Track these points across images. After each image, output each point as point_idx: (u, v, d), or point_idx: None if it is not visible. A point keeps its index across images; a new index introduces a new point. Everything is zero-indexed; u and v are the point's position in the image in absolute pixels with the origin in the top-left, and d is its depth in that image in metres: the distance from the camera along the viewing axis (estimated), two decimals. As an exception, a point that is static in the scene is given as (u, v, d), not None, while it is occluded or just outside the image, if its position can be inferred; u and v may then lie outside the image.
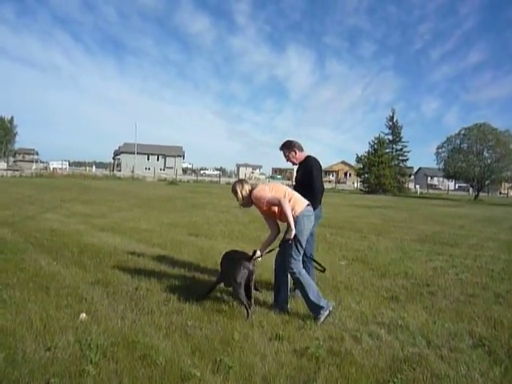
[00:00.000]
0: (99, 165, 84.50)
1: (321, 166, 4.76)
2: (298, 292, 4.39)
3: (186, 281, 4.97)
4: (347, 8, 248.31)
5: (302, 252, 4.04)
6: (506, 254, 7.98)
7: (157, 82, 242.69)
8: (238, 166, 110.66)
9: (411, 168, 57.22)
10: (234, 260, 4.14)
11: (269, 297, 4.44)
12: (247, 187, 4.19)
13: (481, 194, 44.21)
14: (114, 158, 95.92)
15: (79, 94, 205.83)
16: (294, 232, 3.86)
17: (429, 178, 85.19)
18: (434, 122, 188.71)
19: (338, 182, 68.25)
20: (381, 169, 43.97)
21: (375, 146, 46.29)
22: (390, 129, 47.87)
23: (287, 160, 4.79)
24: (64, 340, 3.14)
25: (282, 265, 4.11)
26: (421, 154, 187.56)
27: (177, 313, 3.87)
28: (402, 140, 47.86)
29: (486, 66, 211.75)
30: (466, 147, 41.86)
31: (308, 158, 4.73)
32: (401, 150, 47.99)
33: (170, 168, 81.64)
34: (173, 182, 39.46)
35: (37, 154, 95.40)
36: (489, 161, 41.12)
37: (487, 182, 43.24)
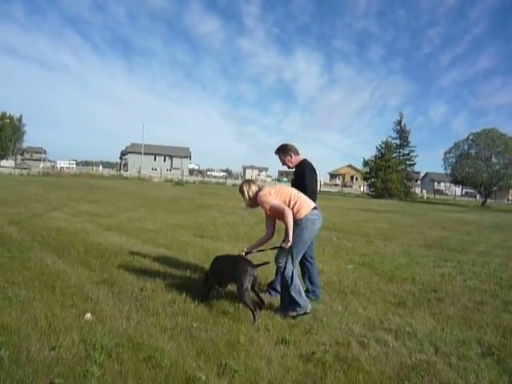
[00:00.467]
0: (106, 164, 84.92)
1: (315, 169, 4.75)
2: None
3: (192, 282, 4.94)
4: (356, 11, 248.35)
5: (298, 257, 4.10)
6: (515, 262, 7.86)
7: (165, 83, 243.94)
8: (245, 168, 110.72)
9: (418, 173, 56.93)
10: (234, 262, 4.15)
11: (274, 300, 4.41)
12: (254, 188, 4.21)
13: (488, 200, 43.84)
14: (120, 158, 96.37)
15: (87, 94, 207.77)
16: (290, 244, 3.93)
17: (435, 183, 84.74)
18: (441, 127, 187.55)
19: (344, 185, 68.05)
20: (388, 173, 43.79)
21: (382, 151, 46.12)
22: (397, 133, 47.64)
23: (283, 164, 4.77)
24: (69, 340, 3.12)
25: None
26: (427, 159, 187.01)
27: (182, 314, 3.85)
28: (410, 145, 47.68)
29: (496, 71, 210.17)
30: (474, 153, 41.55)
31: (303, 161, 4.71)
32: (408, 154, 47.73)
33: (176, 169, 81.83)
34: (179, 183, 39.52)
35: (45, 152, 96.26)
36: (497, 167, 40.78)
37: (495, 189, 42.87)
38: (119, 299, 4.18)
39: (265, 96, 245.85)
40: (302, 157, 4.77)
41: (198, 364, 2.90)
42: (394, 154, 47.00)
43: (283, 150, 4.71)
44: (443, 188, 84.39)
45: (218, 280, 4.28)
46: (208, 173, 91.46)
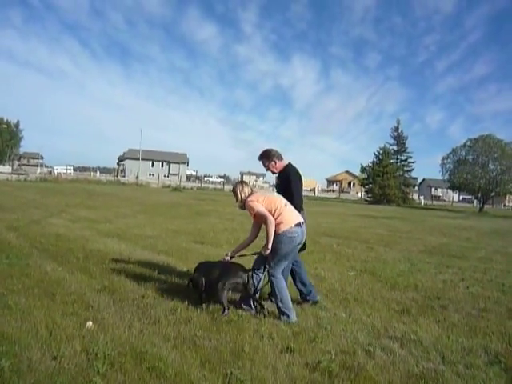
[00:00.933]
0: (103, 170, 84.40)
1: (300, 174, 4.70)
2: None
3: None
4: (353, 18, 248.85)
5: (278, 268, 4.13)
6: (516, 268, 7.84)
7: (162, 89, 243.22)
8: (242, 174, 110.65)
9: (415, 179, 57.00)
10: (224, 266, 4.33)
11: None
12: (247, 190, 4.31)
13: (485, 206, 43.93)
14: (118, 164, 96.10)
15: (85, 100, 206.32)
16: (268, 251, 4.06)
17: (433, 189, 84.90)
18: (438, 133, 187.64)
19: (341, 191, 68.09)
20: (385, 179, 43.88)
21: (380, 157, 46.27)
22: (394, 139, 47.88)
23: (267, 170, 4.73)
24: (70, 349, 3.06)
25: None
26: (424, 165, 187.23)
27: (185, 322, 3.79)
28: (407, 150, 47.85)
29: (491, 78, 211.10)
30: (472, 159, 41.66)
31: (287, 166, 4.67)
32: (405, 160, 47.96)
33: (174, 175, 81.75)
34: (177, 189, 39.47)
35: (41, 158, 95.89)
36: (494, 173, 40.89)
37: (492, 194, 42.97)
38: (120, 307, 4.12)
39: (262, 102, 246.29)
40: (285, 162, 4.71)
41: (203, 374, 2.84)
42: (392, 160, 47.18)
43: (267, 156, 4.66)
44: (440, 194, 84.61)
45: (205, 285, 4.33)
46: (205, 179, 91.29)
